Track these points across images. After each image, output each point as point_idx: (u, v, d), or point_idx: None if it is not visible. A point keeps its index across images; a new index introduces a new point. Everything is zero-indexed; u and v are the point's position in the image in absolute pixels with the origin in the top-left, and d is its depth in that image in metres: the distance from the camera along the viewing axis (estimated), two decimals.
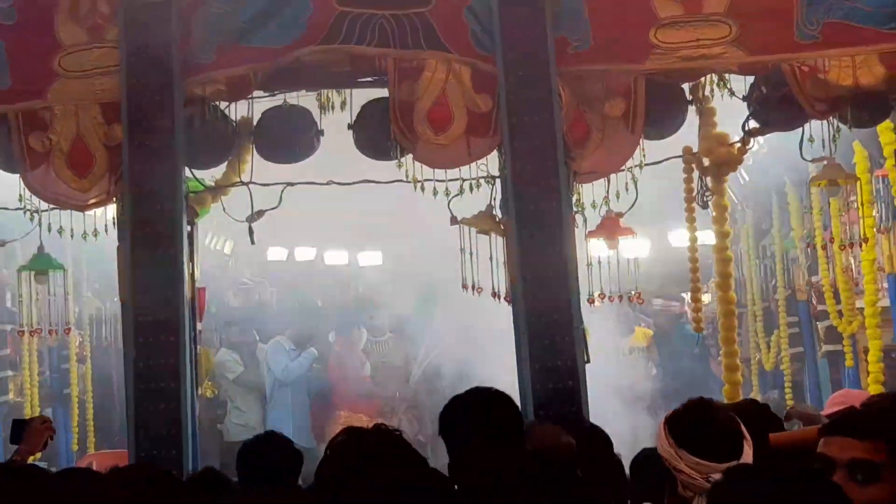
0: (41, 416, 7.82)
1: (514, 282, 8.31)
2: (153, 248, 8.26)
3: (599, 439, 6.41)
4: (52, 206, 8.58)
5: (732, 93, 8.70)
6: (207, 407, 12.47)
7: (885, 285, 10.48)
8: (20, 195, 8.56)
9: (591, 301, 8.78)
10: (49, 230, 8.64)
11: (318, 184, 8.97)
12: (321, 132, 8.73)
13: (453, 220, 8.72)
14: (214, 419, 13.07)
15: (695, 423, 4.43)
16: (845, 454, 3.66)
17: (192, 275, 8.62)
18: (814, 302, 12.52)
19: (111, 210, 8.61)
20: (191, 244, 8.62)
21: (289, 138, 8.71)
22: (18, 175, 8.51)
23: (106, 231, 8.63)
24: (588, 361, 8.32)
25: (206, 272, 11.19)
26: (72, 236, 8.64)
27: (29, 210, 8.63)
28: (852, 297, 11.32)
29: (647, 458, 6.10)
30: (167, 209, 8.30)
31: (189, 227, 8.62)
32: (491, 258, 8.62)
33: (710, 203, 9.03)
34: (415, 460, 4.16)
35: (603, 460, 5.80)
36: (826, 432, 3.81)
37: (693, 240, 9.53)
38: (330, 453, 4.24)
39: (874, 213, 10.12)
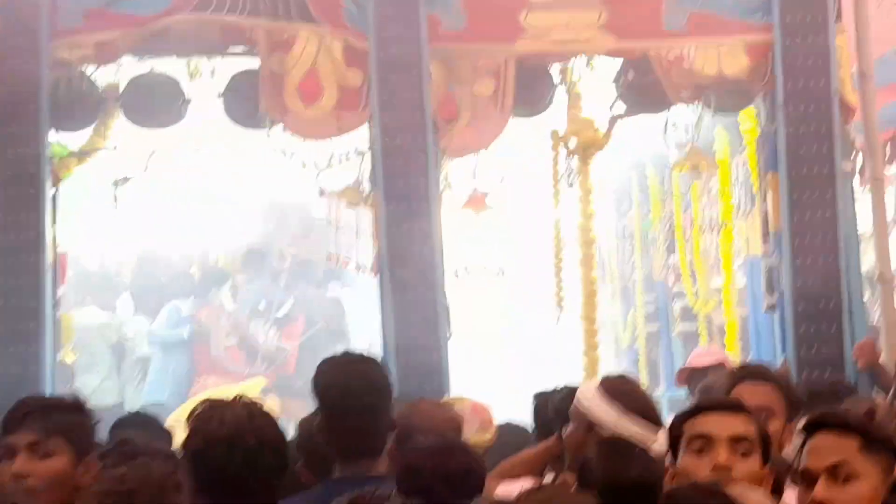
0: None
1: (381, 255, 8.36)
2: (16, 211, 8.16)
3: None
4: None
5: (601, 76, 8.83)
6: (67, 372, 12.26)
7: (742, 267, 10.73)
8: None
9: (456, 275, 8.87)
10: None
11: (185, 152, 8.91)
12: (188, 101, 8.65)
13: (321, 193, 8.75)
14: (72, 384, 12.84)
15: (632, 388, 4.56)
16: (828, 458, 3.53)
17: (55, 239, 8.52)
18: (670, 282, 12.74)
19: None
20: (54, 208, 8.51)
21: (155, 107, 8.60)
22: None
23: None
24: (450, 336, 8.41)
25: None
26: None
27: None
28: (708, 278, 11.56)
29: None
30: (31, 172, 8.20)
31: (53, 191, 8.51)
32: (357, 232, 8.67)
33: (575, 183, 9.15)
34: (274, 435, 4.12)
35: None
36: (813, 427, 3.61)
37: (557, 219, 9.65)
38: (193, 424, 4.19)
39: (733, 200, 10.35)
